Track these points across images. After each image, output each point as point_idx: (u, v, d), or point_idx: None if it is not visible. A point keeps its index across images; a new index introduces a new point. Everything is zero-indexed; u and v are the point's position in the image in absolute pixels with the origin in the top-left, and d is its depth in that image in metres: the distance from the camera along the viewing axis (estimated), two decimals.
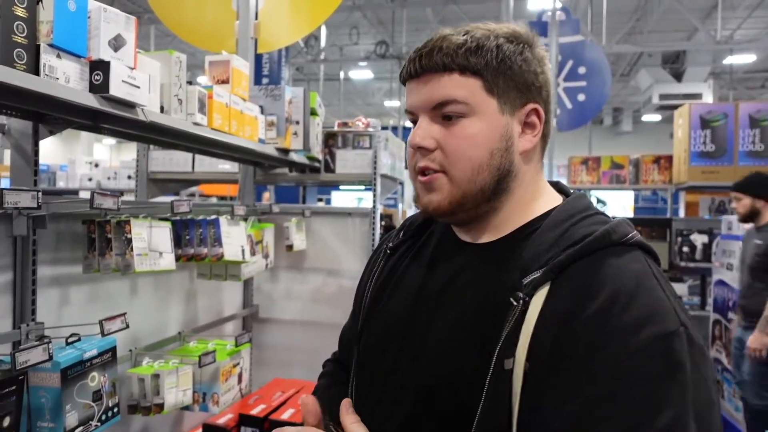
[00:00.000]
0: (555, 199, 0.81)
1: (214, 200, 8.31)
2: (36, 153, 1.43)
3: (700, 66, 10.20)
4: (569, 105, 5.45)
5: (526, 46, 0.77)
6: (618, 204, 10.96)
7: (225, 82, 1.86)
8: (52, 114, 1.36)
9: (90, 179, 7.27)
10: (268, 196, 6.67)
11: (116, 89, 1.23)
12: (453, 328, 0.75)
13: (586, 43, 5.58)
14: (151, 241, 1.58)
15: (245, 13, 2.60)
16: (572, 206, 0.77)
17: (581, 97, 5.43)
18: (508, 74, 0.75)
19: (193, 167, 2.87)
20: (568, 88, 5.44)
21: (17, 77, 1.04)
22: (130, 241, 1.50)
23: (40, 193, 1.23)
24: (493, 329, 0.68)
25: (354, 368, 0.87)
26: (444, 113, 0.76)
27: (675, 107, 5.46)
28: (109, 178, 7.07)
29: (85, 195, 5.87)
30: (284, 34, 2.75)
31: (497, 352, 0.66)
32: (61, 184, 7.71)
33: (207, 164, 2.87)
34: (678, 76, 10.62)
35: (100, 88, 1.22)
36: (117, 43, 1.26)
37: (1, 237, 1.36)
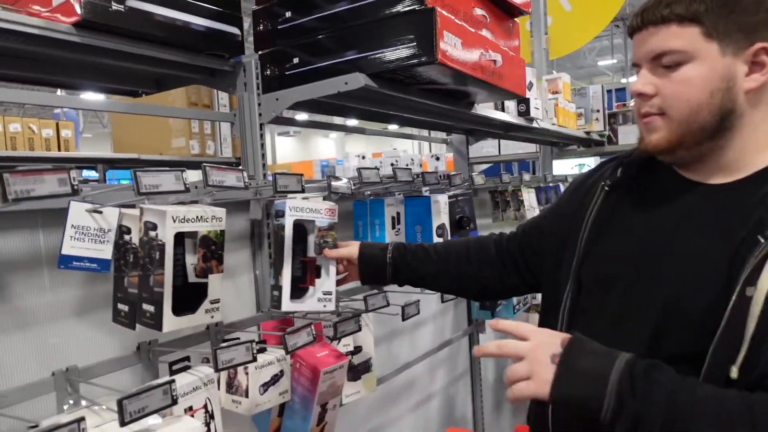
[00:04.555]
0: None
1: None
2: (468, 153, 2.46)
3: None
4: None
5: None
6: None
7: (557, 92, 2.73)
8: (480, 129, 2.36)
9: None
10: None
11: (533, 113, 2.16)
12: (694, 256, 0.78)
13: None
14: (530, 201, 2.52)
15: (537, 31, 3.46)
16: None
17: None
18: (730, 17, 0.76)
19: (499, 151, 3.82)
20: None
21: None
22: (521, 202, 2.46)
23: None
24: (736, 260, 0.73)
25: (569, 295, 0.89)
26: (663, 63, 0.80)
27: None
28: (376, 167, 8.62)
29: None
30: (571, 41, 3.55)
31: (742, 280, 0.70)
32: (338, 174, 9.55)
33: (511, 147, 3.79)
34: None
35: (524, 113, 2.16)
36: (530, 86, 2.19)
37: None
